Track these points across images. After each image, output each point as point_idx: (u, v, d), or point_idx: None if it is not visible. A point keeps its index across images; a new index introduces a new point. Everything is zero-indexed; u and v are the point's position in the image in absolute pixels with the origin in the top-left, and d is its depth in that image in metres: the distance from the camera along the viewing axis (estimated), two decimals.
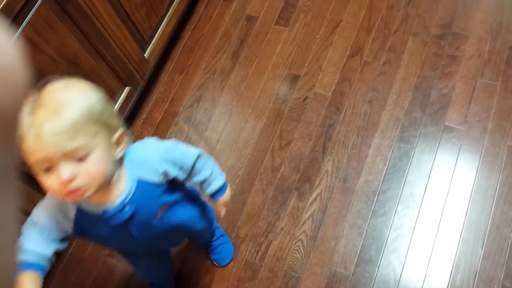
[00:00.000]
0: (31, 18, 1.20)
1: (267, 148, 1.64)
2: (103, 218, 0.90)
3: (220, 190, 1.06)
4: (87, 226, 0.93)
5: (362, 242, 1.45)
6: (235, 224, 1.54)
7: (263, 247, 1.49)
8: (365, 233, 1.46)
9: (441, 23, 1.78)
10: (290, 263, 1.46)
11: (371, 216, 1.48)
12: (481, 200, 1.46)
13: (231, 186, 1.58)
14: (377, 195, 1.51)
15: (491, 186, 1.47)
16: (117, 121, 0.86)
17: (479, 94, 1.63)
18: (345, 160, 1.58)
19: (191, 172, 0.99)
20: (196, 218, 1.11)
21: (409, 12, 1.83)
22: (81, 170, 0.78)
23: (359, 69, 1.74)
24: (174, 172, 0.93)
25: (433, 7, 1.82)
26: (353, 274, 1.42)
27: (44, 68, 1.27)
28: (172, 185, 0.97)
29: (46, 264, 0.93)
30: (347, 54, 1.78)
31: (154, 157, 0.92)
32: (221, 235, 1.47)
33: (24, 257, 0.90)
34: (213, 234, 1.43)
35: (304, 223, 1.50)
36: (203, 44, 1.90)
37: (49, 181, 0.79)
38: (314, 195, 1.54)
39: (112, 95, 1.58)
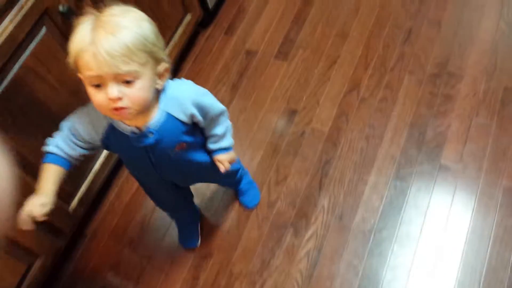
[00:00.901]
0: (34, 47, 1.21)
1: (263, 182, 1.64)
2: (129, 138, 1.00)
3: (224, 149, 1.16)
4: (113, 142, 1.03)
5: (358, 282, 1.44)
6: (229, 260, 1.53)
7: (258, 286, 1.47)
8: (361, 273, 1.45)
9: (437, 62, 1.82)
10: None
11: (367, 256, 1.47)
12: (477, 241, 1.46)
13: (226, 221, 1.59)
14: (373, 234, 1.51)
15: (487, 227, 1.48)
16: (164, 55, 0.94)
17: (474, 133, 1.65)
18: (342, 197, 1.58)
19: (210, 122, 1.09)
20: (208, 164, 1.18)
21: (405, 51, 1.86)
22: (127, 92, 0.87)
23: (356, 105, 1.76)
24: (198, 117, 1.03)
25: (429, 46, 1.86)
26: None
27: (44, 96, 1.28)
28: (193, 129, 1.07)
29: (71, 162, 1.06)
30: (344, 90, 1.80)
31: (186, 98, 1.00)
32: (248, 181, 1.57)
33: (52, 150, 1.04)
34: (239, 181, 1.53)
35: (299, 261, 1.49)
36: (203, 76, 1.92)
37: (97, 96, 0.88)
38: (310, 232, 1.53)
39: None
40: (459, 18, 1.91)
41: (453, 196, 1.54)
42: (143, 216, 1.65)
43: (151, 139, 1.00)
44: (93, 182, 1.55)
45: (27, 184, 1.29)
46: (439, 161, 1.61)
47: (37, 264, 1.41)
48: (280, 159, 1.68)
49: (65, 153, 1.05)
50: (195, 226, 1.57)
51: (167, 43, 1.76)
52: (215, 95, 1.82)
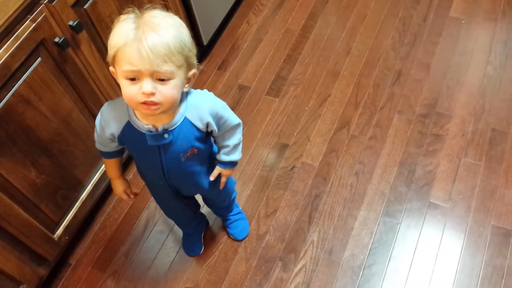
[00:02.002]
0: (28, 76, 1.22)
1: (253, 215, 1.63)
2: (144, 135, 1.04)
3: (232, 164, 1.22)
4: (129, 138, 1.09)
5: None
6: None
7: None
8: None
9: (426, 103, 1.85)
10: None
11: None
12: (466, 280, 1.44)
13: (213, 254, 1.57)
14: (362, 270, 1.49)
15: (476, 266, 1.47)
16: (195, 62, 1.00)
17: (463, 172, 1.67)
18: (331, 232, 1.57)
19: (225, 133, 1.15)
20: (205, 174, 1.23)
21: (394, 91, 1.90)
22: (160, 89, 0.92)
23: (346, 142, 1.78)
24: (213, 127, 1.09)
25: (418, 87, 1.90)
26: None
27: (35, 124, 1.28)
28: (206, 137, 1.13)
29: (118, 151, 1.22)
30: (335, 127, 1.82)
31: (205, 107, 1.06)
32: (238, 212, 1.58)
33: (99, 147, 1.20)
34: (230, 208, 1.55)
35: None
36: None
37: (130, 88, 0.93)
38: (298, 267, 1.51)
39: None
40: (448, 61, 1.96)
41: (442, 234, 1.54)
42: (128, 247, 1.63)
43: (166, 139, 1.05)
44: (79, 210, 1.53)
45: (13, 211, 1.27)
46: (428, 199, 1.62)
47: None
48: (270, 192, 1.67)
49: (107, 148, 1.19)
50: (199, 236, 1.58)
51: None
52: None
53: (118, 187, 1.31)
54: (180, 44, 0.91)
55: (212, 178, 1.23)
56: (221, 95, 1.96)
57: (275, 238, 1.58)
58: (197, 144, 1.11)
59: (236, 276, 1.52)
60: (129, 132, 1.07)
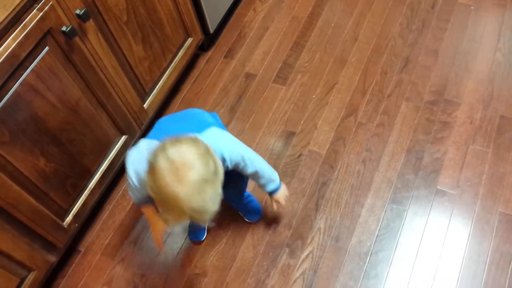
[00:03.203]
0: (35, 65, 1.22)
1: (260, 202, 1.63)
2: None
3: (273, 191, 1.38)
4: None
5: None
6: (223, 280, 1.51)
7: None
8: None
9: (434, 90, 1.84)
10: None
11: (363, 278, 1.46)
12: (473, 266, 1.45)
13: (221, 241, 1.58)
14: (369, 256, 1.50)
15: (483, 252, 1.47)
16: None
17: (471, 159, 1.66)
18: (338, 219, 1.58)
19: (251, 175, 1.30)
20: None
21: (402, 78, 1.89)
22: None
23: (353, 129, 1.78)
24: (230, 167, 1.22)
25: (426, 74, 1.89)
26: None
27: (43, 113, 1.29)
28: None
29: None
30: (342, 115, 1.82)
31: (221, 151, 1.16)
32: (248, 196, 1.62)
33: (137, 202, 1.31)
34: (241, 196, 1.58)
35: (294, 281, 1.48)
36: (201, 98, 1.94)
37: None
38: (305, 253, 1.52)
39: (108, 143, 1.59)
40: (456, 48, 1.95)
41: (449, 221, 1.54)
42: (136, 234, 1.64)
43: None
44: (88, 198, 1.55)
45: (23, 199, 1.29)
46: (435, 186, 1.61)
47: (30, 278, 1.40)
48: None
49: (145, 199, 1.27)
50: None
51: (167, 65, 1.79)
52: None
53: (160, 224, 1.34)
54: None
55: (275, 207, 1.44)
56: (227, 83, 1.97)
57: (282, 226, 1.58)
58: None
59: (244, 262, 1.53)
60: None
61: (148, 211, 1.32)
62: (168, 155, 0.97)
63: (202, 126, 1.20)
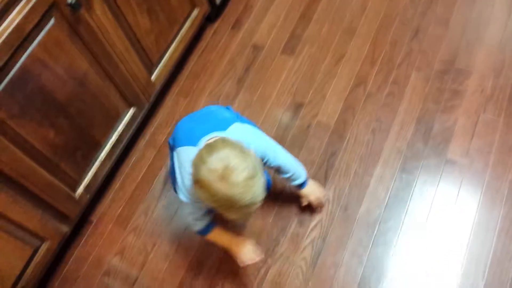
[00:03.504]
0: (42, 38, 1.22)
1: (268, 173, 1.64)
2: None
3: (299, 187, 1.42)
4: None
5: (362, 271, 1.43)
6: None
7: (262, 272, 1.48)
8: (365, 262, 1.44)
9: (444, 59, 1.81)
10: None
11: (371, 245, 1.47)
12: (482, 234, 1.45)
13: None
14: (378, 224, 1.50)
15: (492, 220, 1.46)
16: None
17: (481, 128, 1.64)
18: (347, 188, 1.58)
19: (275, 169, 1.34)
20: None
21: (412, 47, 1.86)
22: None
23: (363, 99, 1.76)
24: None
25: (436, 43, 1.86)
26: None
27: (51, 86, 1.29)
28: None
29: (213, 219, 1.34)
30: (351, 85, 1.80)
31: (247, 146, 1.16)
32: None
33: (198, 227, 1.34)
34: None
35: (304, 249, 1.49)
36: (209, 70, 1.93)
37: None
38: (314, 222, 1.53)
39: (117, 115, 1.60)
40: (468, 16, 1.91)
41: (459, 190, 1.53)
42: (147, 205, 1.67)
43: None
44: (99, 169, 1.56)
45: (34, 171, 1.31)
46: (445, 155, 1.60)
47: (43, 248, 1.43)
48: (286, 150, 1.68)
49: (204, 220, 1.32)
50: None
51: (174, 37, 1.78)
52: (221, 89, 1.87)
53: (244, 245, 1.36)
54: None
55: (303, 204, 1.50)
56: (235, 55, 1.95)
57: (291, 195, 1.59)
58: None
59: (254, 231, 1.55)
60: None
61: (216, 235, 1.36)
62: (208, 165, 1.02)
63: (224, 124, 1.23)
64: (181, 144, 1.24)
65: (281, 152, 1.33)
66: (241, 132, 1.24)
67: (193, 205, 1.25)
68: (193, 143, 1.18)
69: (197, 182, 1.04)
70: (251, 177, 1.03)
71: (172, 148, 1.35)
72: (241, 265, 1.36)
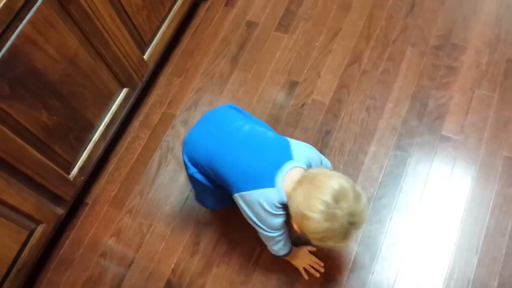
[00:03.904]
0: (32, 17, 1.20)
1: None
2: None
3: None
4: None
5: (356, 248, 1.45)
6: (229, 228, 1.54)
7: (257, 251, 1.49)
8: (360, 240, 1.46)
9: (440, 34, 1.80)
10: (284, 267, 1.45)
11: (366, 223, 1.48)
12: (476, 210, 1.46)
13: None
14: (372, 202, 1.51)
15: (486, 196, 1.47)
16: None
17: (476, 104, 1.64)
18: (342, 167, 1.58)
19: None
20: None
21: (408, 23, 1.84)
22: None
23: (358, 77, 1.75)
24: None
25: (432, 18, 1.84)
26: (346, 280, 1.41)
27: (42, 66, 1.28)
28: None
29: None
30: (346, 62, 1.79)
31: (309, 160, 1.19)
32: None
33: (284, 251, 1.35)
34: None
35: None
36: (202, 48, 1.91)
37: None
38: None
39: (110, 96, 1.58)
40: None
41: (453, 166, 1.54)
42: (142, 186, 1.66)
43: None
44: (92, 151, 1.55)
45: (27, 152, 1.30)
46: (440, 132, 1.61)
47: (38, 230, 1.43)
48: (281, 130, 1.67)
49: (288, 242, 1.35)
50: None
51: (166, 14, 1.75)
52: (215, 68, 1.86)
53: (303, 254, 1.43)
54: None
55: None
56: (229, 33, 1.93)
57: None
58: None
59: None
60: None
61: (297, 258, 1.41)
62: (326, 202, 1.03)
63: (277, 147, 1.17)
64: (245, 188, 1.15)
65: (324, 159, 1.31)
66: (301, 149, 1.19)
67: (279, 235, 1.25)
68: (267, 184, 1.11)
69: (324, 214, 1.02)
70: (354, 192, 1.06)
71: (213, 182, 1.29)
72: (304, 273, 1.42)
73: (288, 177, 1.10)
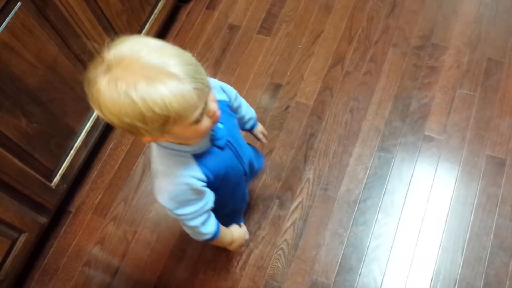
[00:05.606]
0: (9, 22, 1.18)
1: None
2: (215, 144, 0.97)
3: (254, 126, 1.28)
4: (211, 163, 0.96)
5: (343, 250, 1.45)
6: None
7: (244, 256, 1.48)
8: (346, 242, 1.46)
9: (421, 34, 1.81)
10: (271, 272, 1.45)
11: (352, 225, 1.48)
12: (460, 209, 1.47)
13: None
14: (358, 204, 1.51)
15: (470, 195, 1.49)
16: None
17: (458, 104, 1.65)
18: (327, 169, 1.58)
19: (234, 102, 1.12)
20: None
21: (389, 23, 1.85)
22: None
23: (341, 78, 1.75)
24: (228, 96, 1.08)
25: (413, 19, 1.85)
26: (334, 283, 1.41)
27: (20, 72, 1.25)
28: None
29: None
30: (329, 64, 1.79)
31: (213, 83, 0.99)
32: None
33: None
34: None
35: (285, 231, 1.49)
36: None
37: (202, 125, 0.82)
38: (295, 204, 1.53)
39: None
40: None
41: (436, 166, 1.55)
42: (126, 193, 1.64)
43: (222, 129, 0.98)
44: (74, 158, 1.53)
45: (7, 161, 1.27)
46: (423, 132, 1.62)
47: (21, 240, 1.40)
48: None
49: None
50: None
51: (146, 18, 1.73)
52: None
53: (238, 230, 1.21)
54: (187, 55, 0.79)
55: (266, 141, 1.34)
56: (211, 36, 1.91)
57: (271, 178, 1.59)
58: (232, 112, 1.09)
59: None
60: (206, 161, 0.95)
61: (222, 233, 1.13)
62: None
63: None
64: None
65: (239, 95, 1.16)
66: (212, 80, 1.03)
67: (192, 204, 0.98)
68: None
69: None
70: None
71: None
72: (233, 249, 1.23)
73: None
